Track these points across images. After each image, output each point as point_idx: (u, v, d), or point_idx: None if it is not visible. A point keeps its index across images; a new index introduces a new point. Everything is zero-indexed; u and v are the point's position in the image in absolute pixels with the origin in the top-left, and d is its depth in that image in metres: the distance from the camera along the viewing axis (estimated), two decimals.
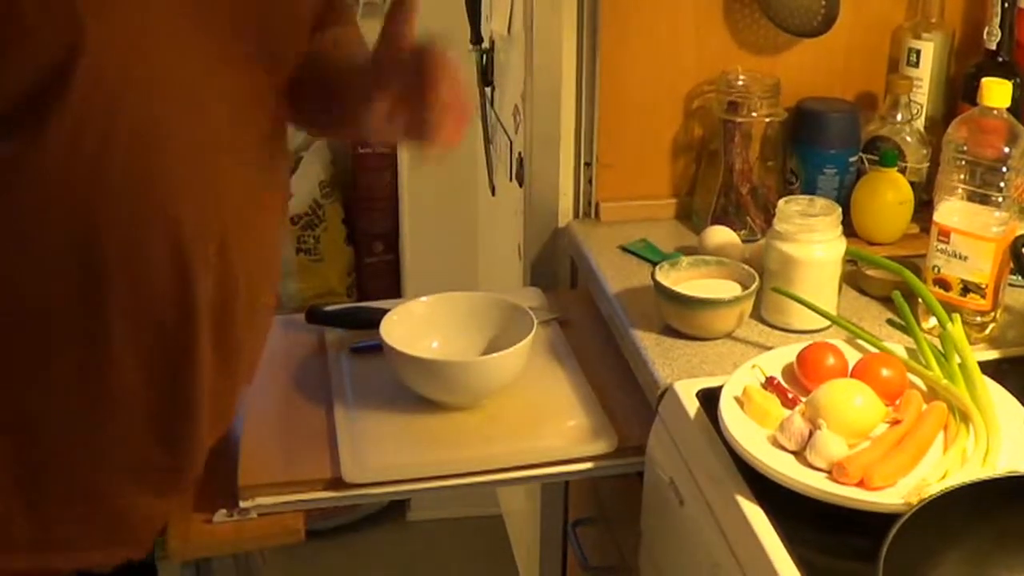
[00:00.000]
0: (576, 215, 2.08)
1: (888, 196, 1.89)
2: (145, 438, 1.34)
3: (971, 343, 1.48)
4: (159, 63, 1.18)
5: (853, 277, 1.76)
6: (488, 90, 2.51)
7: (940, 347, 1.46)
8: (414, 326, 1.66)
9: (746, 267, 1.67)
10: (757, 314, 1.68)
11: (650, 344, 1.63)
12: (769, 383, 1.43)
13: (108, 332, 1.25)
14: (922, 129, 1.97)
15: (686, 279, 1.67)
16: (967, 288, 1.58)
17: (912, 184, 1.90)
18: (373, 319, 1.66)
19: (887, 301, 1.68)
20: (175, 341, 1.29)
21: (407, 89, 1.23)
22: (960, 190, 1.57)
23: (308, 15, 1.40)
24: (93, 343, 1.25)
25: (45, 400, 1.27)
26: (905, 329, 1.54)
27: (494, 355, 1.58)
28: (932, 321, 1.56)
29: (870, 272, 1.74)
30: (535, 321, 1.63)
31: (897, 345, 1.51)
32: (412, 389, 1.60)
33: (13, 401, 1.27)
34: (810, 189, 1.94)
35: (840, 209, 1.65)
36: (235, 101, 1.29)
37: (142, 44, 1.16)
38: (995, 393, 1.38)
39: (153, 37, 1.17)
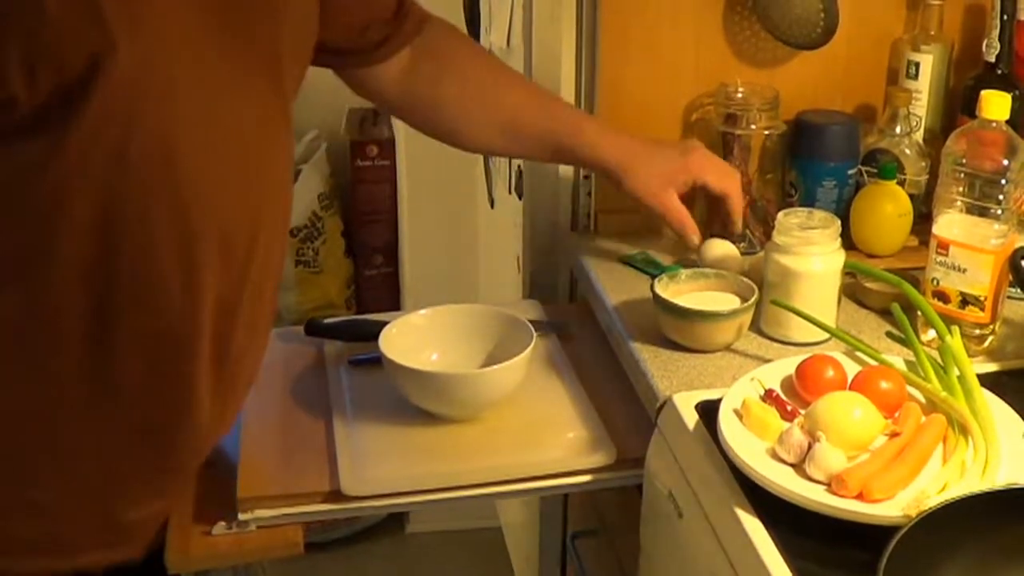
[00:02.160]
0: (575, 227, 2.08)
1: (887, 209, 1.89)
2: (142, 437, 1.35)
3: (970, 355, 1.48)
4: (179, 70, 1.21)
5: (852, 289, 1.76)
6: None
7: (939, 359, 1.46)
8: (413, 338, 1.66)
9: (745, 280, 1.67)
10: (756, 327, 1.68)
11: (649, 356, 1.63)
12: (768, 396, 1.43)
13: (115, 324, 1.26)
14: (921, 141, 1.97)
15: (685, 291, 1.67)
16: (966, 300, 1.58)
17: (911, 196, 1.90)
18: (372, 331, 1.66)
19: (886, 314, 1.68)
20: (177, 339, 1.31)
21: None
22: (959, 202, 1.57)
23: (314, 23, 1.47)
24: (100, 336, 1.26)
25: (46, 393, 1.28)
26: (904, 342, 1.54)
27: (493, 367, 1.58)
28: (931, 333, 1.56)
29: (869, 284, 1.74)
30: (534, 333, 1.63)
31: (896, 358, 1.51)
32: (411, 402, 1.60)
33: (13, 394, 1.28)
34: (809, 201, 1.94)
35: (839, 222, 1.65)
36: (251, 109, 1.32)
37: (164, 54, 1.19)
38: (994, 406, 1.38)
39: (175, 46, 1.20)
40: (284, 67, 1.37)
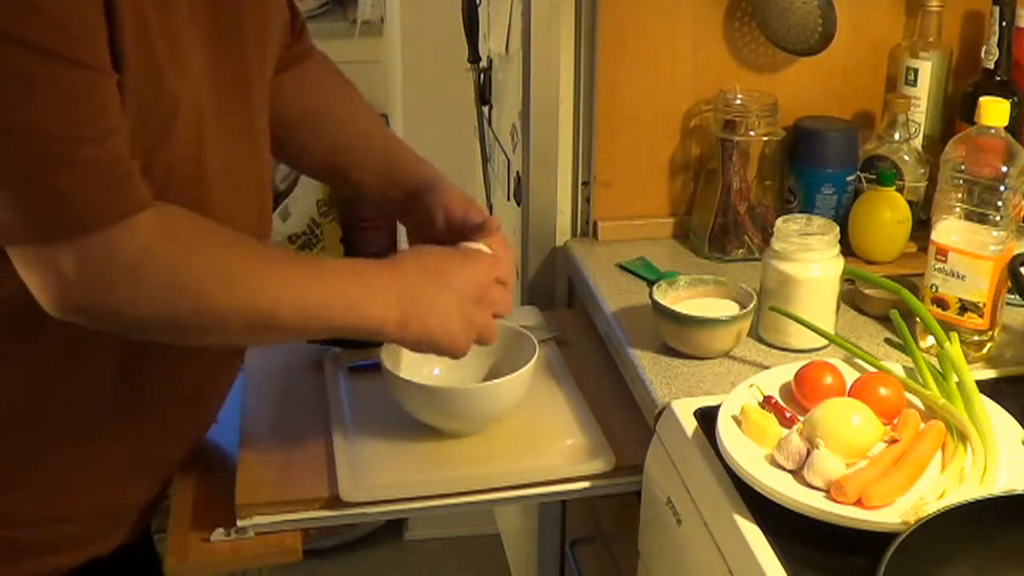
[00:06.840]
0: (574, 234, 2.09)
1: (886, 215, 1.89)
2: (165, 437, 1.44)
3: (969, 362, 1.48)
4: (200, 113, 1.29)
5: (851, 296, 1.76)
6: (486, 109, 2.52)
7: (938, 366, 1.46)
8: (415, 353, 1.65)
9: (744, 286, 1.67)
10: (755, 333, 1.68)
11: (648, 363, 1.63)
12: (767, 402, 1.43)
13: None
14: (920, 148, 1.97)
15: (684, 298, 1.67)
16: (965, 307, 1.58)
17: (910, 203, 1.90)
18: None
19: (885, 320, 1.68)
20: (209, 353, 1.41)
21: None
22: (958, 209, 1.57)
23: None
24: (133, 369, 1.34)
25: (83, 415, 1.35)
26: (903, 348, 1.54)
27: (497, 381, 1.56)
28: (930, 340, 1.56)
29: (868, 291, 1.74)
30: (537, 346, 1.61)
31: (895, 364, 1.51)
32: (416, 417, 1.57)
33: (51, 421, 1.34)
34: (808, 208, 1.94)
35: (838, 228, 1.65)
36: (244, 134, 1.40)
37: (197, 106, 1.27)
38: (992, 412, 1.38)
39: (199, 87, 1.28)
40: (255, 91, 1.43)
